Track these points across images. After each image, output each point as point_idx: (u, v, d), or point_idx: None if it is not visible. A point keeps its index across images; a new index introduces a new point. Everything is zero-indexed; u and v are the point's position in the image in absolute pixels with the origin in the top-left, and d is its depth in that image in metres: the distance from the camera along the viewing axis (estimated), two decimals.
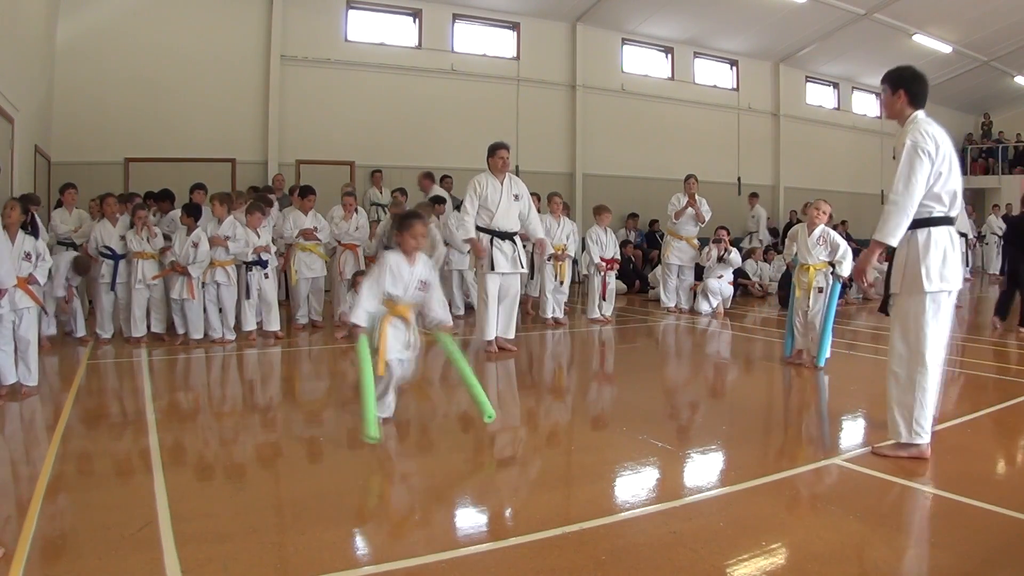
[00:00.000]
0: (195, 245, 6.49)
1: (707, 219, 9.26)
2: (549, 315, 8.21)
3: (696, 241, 9.32)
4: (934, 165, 3.18)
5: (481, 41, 12.95)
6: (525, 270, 6.79)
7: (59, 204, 7.62)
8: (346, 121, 11.65)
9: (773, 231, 14.51)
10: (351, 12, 11.94)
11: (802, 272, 5.68)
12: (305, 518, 2.68)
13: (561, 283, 8.27)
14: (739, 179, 15.11)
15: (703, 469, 3.34)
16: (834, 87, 17.07)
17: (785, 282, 8.90)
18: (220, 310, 6.78)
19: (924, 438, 3.25)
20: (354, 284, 6.66)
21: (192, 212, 6.74)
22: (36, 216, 5.87)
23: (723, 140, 15.12)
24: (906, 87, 3.34)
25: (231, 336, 6.77)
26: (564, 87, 13.52)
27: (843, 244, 5.65)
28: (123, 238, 6.76)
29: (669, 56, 14.70)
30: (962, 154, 16.66)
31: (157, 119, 10.43)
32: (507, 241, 6.26)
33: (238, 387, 5.38)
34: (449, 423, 4.23)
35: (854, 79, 17.05)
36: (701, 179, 9.42)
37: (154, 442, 3.59)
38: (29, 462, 3.42)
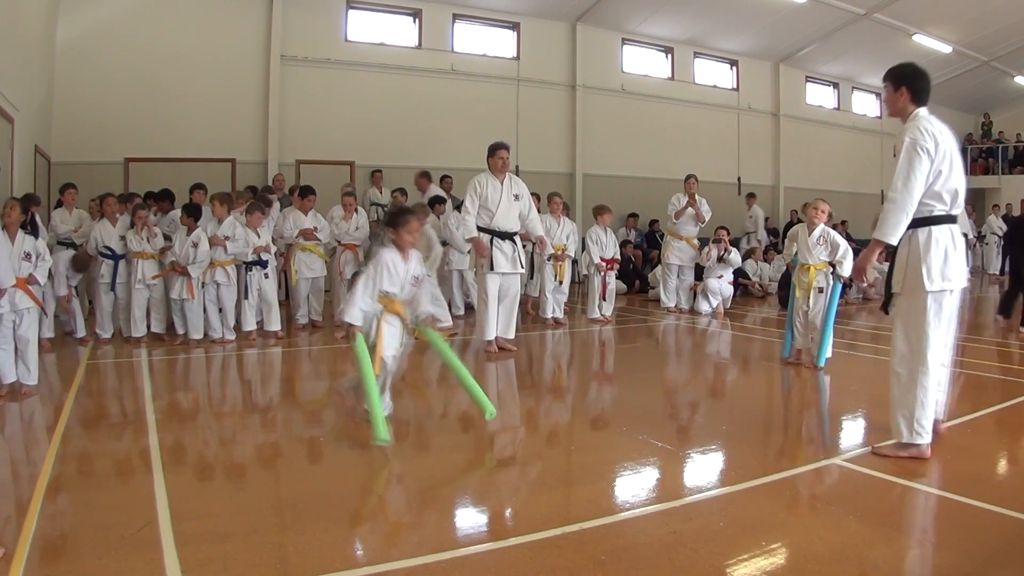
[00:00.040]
0: (195, 245, 6.49)
1: (707, 219, 9.26)
2: (549, 315, 8.21)
3: (696, 241, 9.32)
4: (933, 163, 3.16)
5: (481, 41, 12.95)
6: (524, 270, 6.79)
7: (59, 204, 7.62)
8: (346, 121, 11.65)
9: (773, 231, 14.51)
10: (351, 12, 11.94)
11: (802, 272, 5.68)
12: (305, 518, 2.68)
13: (560, 283, 8.27)
14: (739, 179, 15.11)
15: (703, 469, 3.34)
16: (834, 87, 17.07)
17: (785, 282, 8.90)
18: (220, 310, 6.78)
19: (925, 438, 3.24)
20: (353, 284, 6.65)
21: (192, 212, 6.74)
22: (36, 216, 5.86)
23: (723, 140, 15.12)
24: (908, 84, 3.33)
25: (231, 336, 6.77)
26: (564, 87, 13.52)
27: (843, 244, 5.64)
28: (123, 238, 6.76)
29: (669, 56, 14.70)
30: (962, 154, 16.64)
31: (157, 119, 10.42)
32: (507, 241, 6.26)
33: (238, 387, 5.38)
34: (449, 423, 4.24)
35: (854, 79, 17.05)
36: (701, 179, 9.42)
37: (154, 442, 3.59)
38: (29, 462, 3.42)
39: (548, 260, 8.16)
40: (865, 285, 10.57)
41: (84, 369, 5.58)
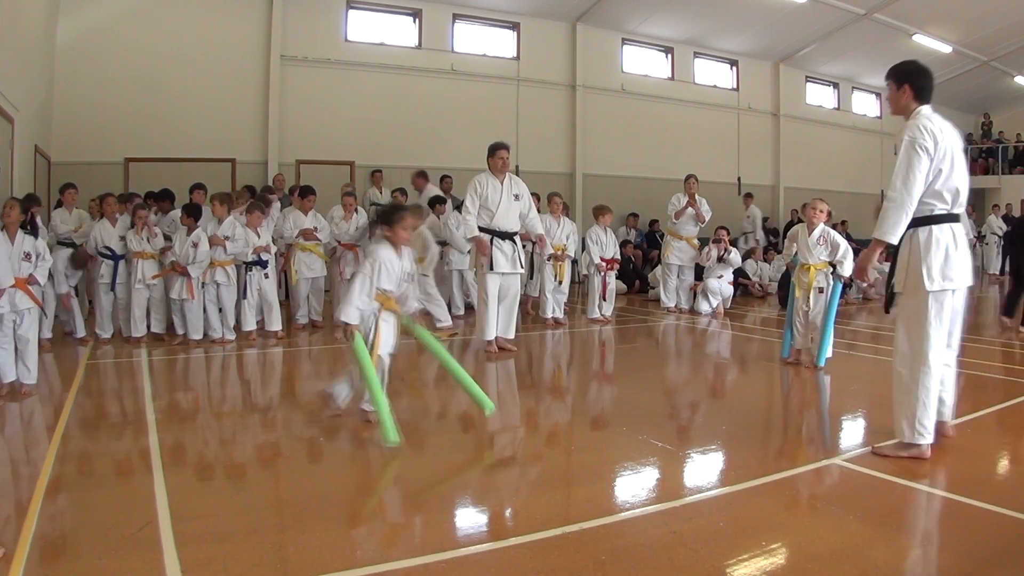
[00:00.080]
0: (195, 245, 6.49)
1: (707, 219, 9.26)
2: (549, 315, 8.21)
3: (696, 241, 9.32)
4: (933, 162, 3.14)
5: (481, 41, 12.95)
6: (524, 270, 6.79)
7: (59, 204, 7.62)
8: (346, 121, 11.65)
9: (773, 231, 14.51)
10: (351, 12, 11.94)
11: (802, 272, 5.68)
12: (305, 518, 2.68)
13: (560, 283, 8.27)
14: (739, 179, 15.11)
15: (703, 469, 3.34)
16: (834, 87, 17.07)
17: (785, 282, 8.90)
18: (220, 310, 6.78)
19: (927, 438, 3.23)
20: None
21: (192, 212, 6.74)
22: (35, 216, 5.86)
23: (723, 140, 15.12)
24: (911, 81, 3.31)
25: (231, 336, 6.77)
26: (564, 87, 13.52)
27: (843, 244, 5.64)
28: (123, 238, 6.76)
29: (669, 56, 14.70)
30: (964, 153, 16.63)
31: (157, 119, 10.42)
32: (507, 241, 6.26)
33: (238, 387, 5.38)
34: (448, 423, 4.23)
35: (854, 79, 17.05)
36: (701, 179, 9.42)
37: (154, 442, 3.59)
38: (29, 462, 3.42)
39: (548, 260, 8.17)
40: (865, 285, 10.58)
41: (84, 369, 5.58)
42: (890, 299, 3.46)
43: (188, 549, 2.35)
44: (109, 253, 6.71)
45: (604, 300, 8.41)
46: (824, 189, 14.67)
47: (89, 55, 10.10)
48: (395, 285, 3.82)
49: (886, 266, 3.61)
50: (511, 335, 6.42)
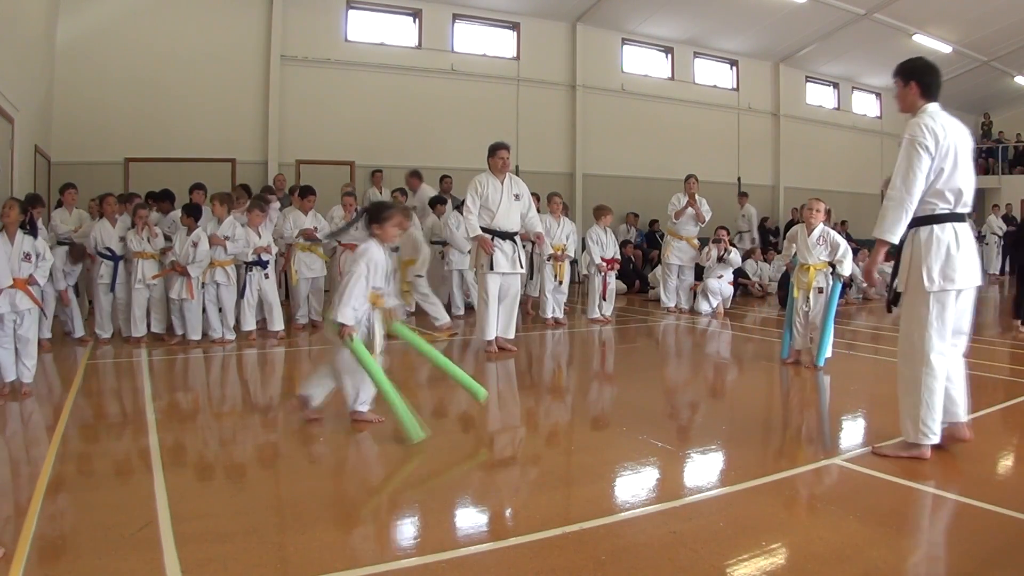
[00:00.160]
0: (195, 245, 6.49)
1: (707, 219, 9.26)
2: (549, 315, 8.21)
3: (696, 241, 9.32)
4: (934, 160, 3.11)
5: (481, 41, 12.95)
6: (524, 270, 6.79)
7: (59, 204, 7.63)
8: (346, 121, 11.65)
9: (774, 231, 14.50)
10: (351, 12, 11.94)
11: (802, 272, 5.68)
12: (305, 518, 2.68)
13: (560, 283, 8.27)
14: (739, 179, 15.10)
15: (703, 469, 3.34)
16: (834, 87, 17.07)
17: (785, 282, 8.90)
18: (220, 310, 6.78)
19: (931, 439, 3.20)
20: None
21: (192, 212, 6.74)
22: (34, 216, 5.85)
23: (723, 140, 15.12)
24: (917, 79, 3.28)
25: (231, 336, 6.77)
26: (564, 87, 13.52)
27: (843, 244, 5.65)
28: (123, 239, 6.76)
29: (669, 56, 14.70)
30: None
31: (157, 119, 10.43)
32: (507, 241, 6.26)
33: (238, 387, 5.38)
34: (448, 423, 4.23)
35: (854, 79, 17.05)
36: (701, 179, 9.42)
37: (154, 442, 3.59)
38: (29, 462, 3.42)
39: (548, 260, 8.17)
40: (865, 285, 10.58)
41: (84, 369, 5.58)
42: (893, 299, 3.42)
43: (188, 549, 2.35)
44: (109, 254, 6.71)
45: (604, 300, 8.41)
46: (824, 189, 14.70)
47: (89, 55, 10.11)
48: (384, 282, 3.83)
49: (888, 266, 3.58)
50: (511, 335, 6.42)
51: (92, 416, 4.29)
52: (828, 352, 5.50)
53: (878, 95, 17.65)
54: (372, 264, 3.78)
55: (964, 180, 3.19)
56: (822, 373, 5.39)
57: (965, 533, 2.56)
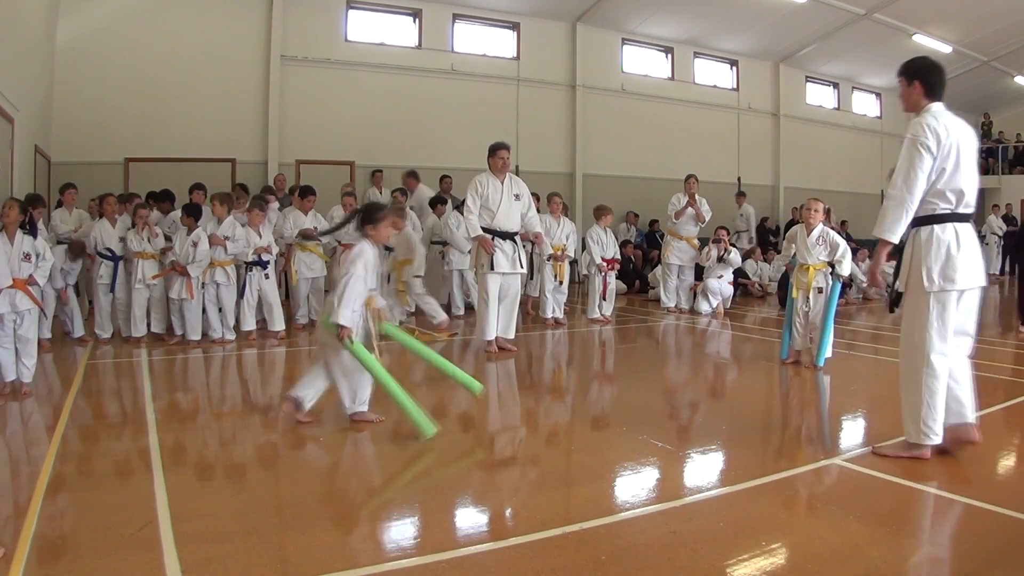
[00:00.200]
0: (195, 245, 6.49)
1: (707, 219, 9.27)
2: (549, 315, 8.21)
3: (696, 241, 9.32)
4: (936, 160, 3.10)
5: (481, 41, 12.94)
6: (525, 270, 6.79)
7: (59, 204, 7.63)
8: (346, 121, 11.64)
9: (774, 231, 14.49)
10: (351, 12, 11.93)
11: (801, 272, 5.69)
12: (305, 518, 2.68)
13: (560, 283, 8.27)
14: (739, 179, 15.10)
15: (703, 469, 3.34)
16: (834, 87, 17.06)
17: (785, 282, 8.90)
18: (220, 310, 6.78)
19: (933, 439, 3.18)
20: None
21: (192, 212, 6.74)
22: (34, 216, 5.85)
23: (723, 140, 15.11)
24: (921, 78, 3.28)
25: (231, 336, 6.77)
26: (564, 87, 13.51)
27: (842, 244, 5.65)
28: (122, 239, 6.76)
29: (669, 56, 14.70)
30: None
31: (157, 119, 10.42)
32: (508, 241, 6.26)
33: (238, 387, 5.38)
34: (448, 423, 4.23)
35: (854, 79, 17.04)
36: (701, 179, 9.42)
37: (154, 442, 3.59)
38: (29, 462, 3.42)
39: (548, 260, 8.17)
40: (865, 285, 10.58)
41: (84, 369, 5.58)
42: (895, 299, 3.41)
43: (188, 549, 2.35)
44: (109, 254, 6.71)
45: (604, 300, 8.41)
46: (824, 189, 14.70)
47: (89, 55, 10.10)
48: (376, 283, 3.84)
49: (890, 266, 3.56)
50: (511, 335, 6.42)
51: (92, 416, 4.29)
52: (828, 352, 5.50)
53: (878, 95, 17.64)
54: (370, 266, 3.79)
55: (966, 180, 3.17)
56: (822, 373, 5.39)
57: (965, 533, 2.56)
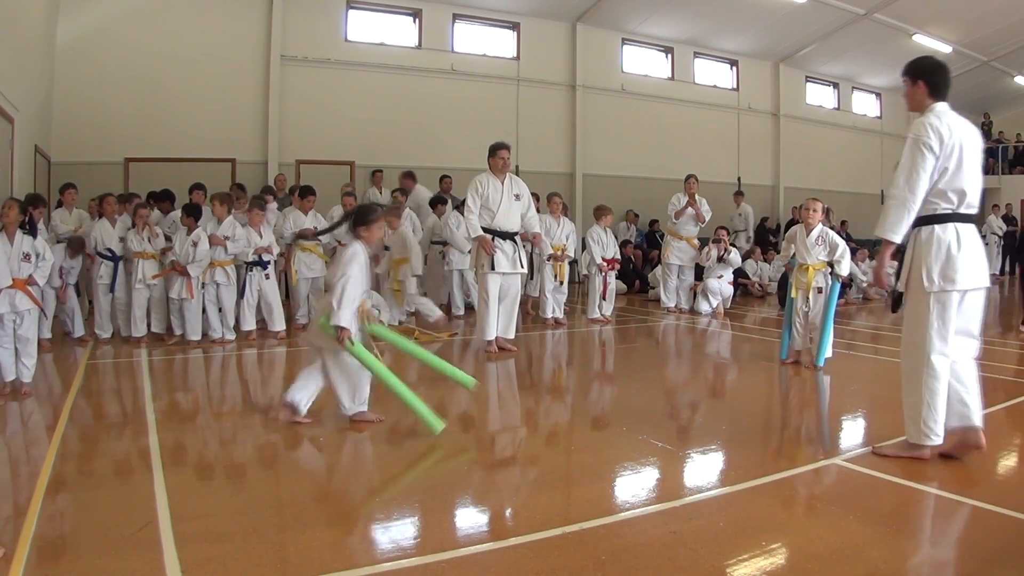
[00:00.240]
0: (195, 244, 6.49)
1: (707, 219, 9.27)
2: (549, 315, 8.21)
3: (696, 241, 9.32)
4: (939, 160, 3.09)
5: (481, 41, 12.94)
6: (525, 270, 6.79)
7: (59, 204, 7.63)
8: (346, 121, 11.65)
9: (774, 231, 14.48)
10: (351, 12, 11.94)
11: (801, 272, 5.69)
12: (305, 518, 2.68)
13: (561, 283, 8.27)
14: (739, 179, 15.11)
15: (703, 469, 3.34)
16: (834, 87, 17.06)
17: (784, 282, 8.90)
18: (220, 310, 6.78)
19: (934, 440, 3.17)
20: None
21: (192, 212, 6.74)
22: (35, 216, 5.85)
23: (723, 140, 15.12)
24: (925, 78, 3.26)
25: (231, 336, 6.77)
26: (564, 87, 13.51)
27: (841, 244, 5.65)
28: (122, 239, 6.76)
29: (669, 56, 14.70)
30: None
31: (157, 119, 10.42)
32: (508, 241, 6.26)
33: (238, 387, 5.38)
34: (448, 423, 4.22)
35: (854, 79, 17.04)
36: (701, 179, 9.42)
37: (154, 442, 3.59)
38: (29, 462, 3.42)
39: (548, 260, 8.18)
40: (865, 285, 10.58)
41: (84, 369, 5.58)
42: (897, 299, 3.39)
43: (188, 549, 2.35)
44: (109, 255, 6.71)
45: (604, 300, 8.41)
46: (824, 189, 14.70)
47: (89, 55, 10.10)
48: (368, 284, 3.85)
49: (891, 266, 3.55)
50: (511, 335, 6.42)
51: (92, 416, 4.29)
52: (828, 352, 5.50)
53: (878, 95, 17.62)
54: (364, 268, 3.80)
55: (969, 181, 3.16)
56: (822, 373, 5.39)
57: (966, 533, 2.56)
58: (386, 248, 7.49)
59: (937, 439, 3.19)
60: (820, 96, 16.92)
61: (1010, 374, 5.59)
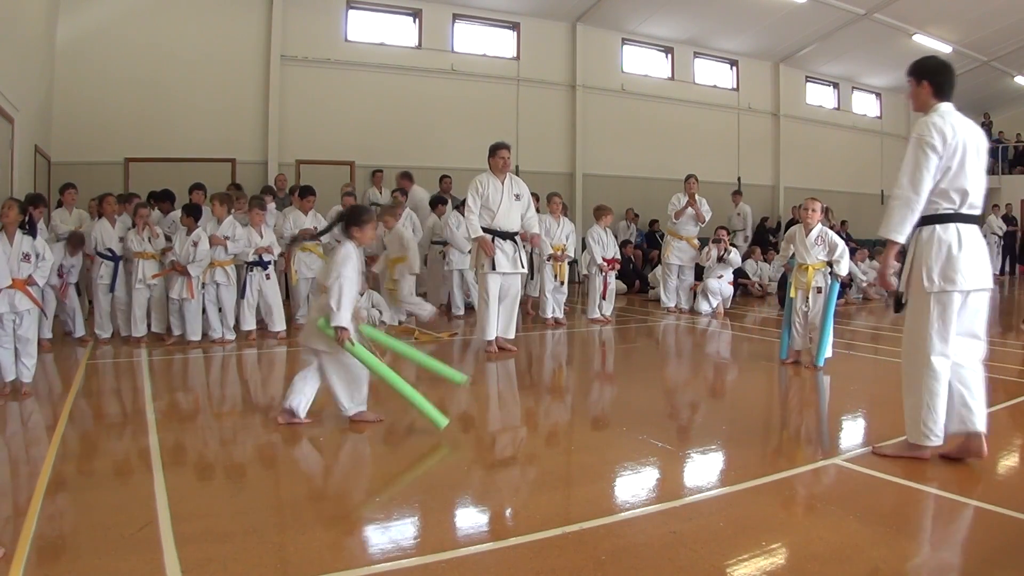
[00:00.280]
0: (195, 244, 6.49)
1: (707, 219, 9.27)
2: (549, 315, 8.21)
3: (696, 241, 9.33)
4: (941, 160, 3.08)
5: (481, 41, 12.95)
6: (526, 270, 6.79)
7: (59, 204, 7.63)
8: (346, 121, 11.64)
9: (773, 230, 14.48)
10: (351, 12, 11.94)
11: (800, 272, 5.69)
12: (305, 518, 2.68)
13: (561, 283, 8.27)
14: (739, 179, 15.11)
15: (703, 469, 3.34)
16: (834, 87, 17.06)
17: (784, 282, 8.90)
18: (220, 310, 6.78)
19: (933, 440, 3.16)
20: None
21: (192, 212, 6.74)
22: (35, 216, 5.85)
23: (723, 140, 15.12)
24: (930, 78, 3.25)
25: (231, 336, 6.77)
26: (564, 87, 13.52)
27: (841, 243, 5.65)
28: (122, 239, 6.76)
29: (669, 56, 14.70)
30: None
31: (157, 119, 10.42)
32: (508, 241, 6.26)
33: (238, 387, 5.38)
34: (448, 423, 4.22)
35: (854, 79, 17.04)
36: (701, 179, 9.42)
37: (154, 442, 3.59)
38: (29, 462, 3.42)
39: (548, 260, 8.18)
40: (865, 284, 10.58)
41: (84, 369, 5.58)
42: (899, 299, 3.38)
43: (188, 549, 2.35)
44: (109, 254, 6.70)
45: (604, 300, 8.41)
46: (824, 189, 14.71)
47: (89, 55, 10.10)
48: (360, 285, 3.86)
49: (896, 266, 3.55)
50: (511, 335, 6.42)
51: (92, 416, 4.29)
52: (828, 352, 5.50)
53: (878, 95, 17.62)
54: (358, 269, 3.81)
55: (972, 181, 3.14)
56: (822, 373, 5.39)
57: (965, 533, 2.56)
58: (384, 248, 7.49)
59: (937, 440, 3.19)
60: (820, 96, 16.92)
61: (1011, 374, 5.59)
